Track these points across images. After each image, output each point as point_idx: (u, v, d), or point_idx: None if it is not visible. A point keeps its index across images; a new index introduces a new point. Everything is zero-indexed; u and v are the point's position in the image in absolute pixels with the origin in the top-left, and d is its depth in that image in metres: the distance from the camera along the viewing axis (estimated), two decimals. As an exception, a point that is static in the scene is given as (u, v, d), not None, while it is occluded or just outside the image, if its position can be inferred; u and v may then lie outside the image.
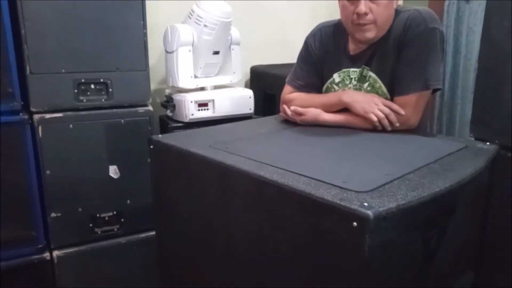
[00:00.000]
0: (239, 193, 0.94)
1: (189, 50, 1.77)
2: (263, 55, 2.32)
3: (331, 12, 2.44)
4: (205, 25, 1.75)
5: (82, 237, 1.62)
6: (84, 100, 1.57)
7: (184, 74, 1.79)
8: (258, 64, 2.26)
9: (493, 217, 1.10)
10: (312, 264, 0.80)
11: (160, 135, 1.22)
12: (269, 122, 1.44)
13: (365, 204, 0.72)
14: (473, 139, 1.44)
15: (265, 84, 2.13)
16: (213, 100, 1.82)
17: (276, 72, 2.08)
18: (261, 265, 0.91)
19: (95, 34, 1.54)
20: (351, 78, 1.33)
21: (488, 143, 1.12)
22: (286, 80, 1.46)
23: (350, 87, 1.34)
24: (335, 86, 1.37)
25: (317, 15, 2.43)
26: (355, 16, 1.21)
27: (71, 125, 1.54)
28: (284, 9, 2.35)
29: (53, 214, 1.56)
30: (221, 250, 1.02)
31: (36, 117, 1.50)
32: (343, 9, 1.26)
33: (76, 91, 1.54)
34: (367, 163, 0.97)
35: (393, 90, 1.27)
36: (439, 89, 1.27)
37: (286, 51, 2.38)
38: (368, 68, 1.30)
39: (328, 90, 1.39)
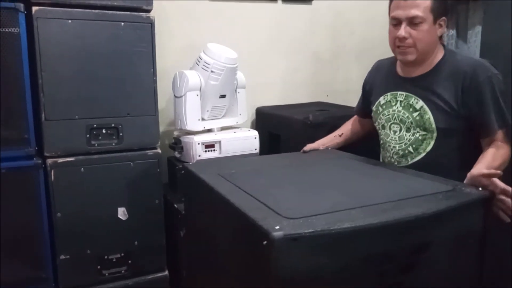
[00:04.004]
0: (220, 211, 1.11)
1: (197, 95, 1.85)
2: (268, 96, 2.38)
3: (333, 54, 2.54)
4: (212, 71, 1.83)
5: (90, 279, 1.64)
6: (96, 145, 1.63)
7: (192, 118, 1.86)
8: (263, 105, 2.32)
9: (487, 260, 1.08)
10: (243, 266, 0.97)
11: (191, 163, 1.38)
12: (287, 157, 1.59)
13: (277, 227, 0.81)
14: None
15: (270, 124, 2.18)
16: (219, 141, 1.87)
17: (280, 113, 2.13)
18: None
19: (107, 82, 1.62)
20: (397, 101, 1.45)
21: (480, 188, 1.09)
22: None
23: (394, 110, 1.44)
24: (379, 108, 1.50)
25: (320, 58, 2.52)
26: (397, 39, 1.35)
27: (82, 169, 1.60)
28: (287, 52, 2.43)
29: (62, 256, 1.59)
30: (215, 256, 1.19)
31: (49, 161, 1.55)
32: (389, 33, 1.40)
33: (88, 136, 1.61)
34: (324, 196, 1.05)
35: (479, 132, 1.34)
36: None
37: (291, 92, 2.45)
38: (417, 98, 1.39)
39: (375, 112, 1.53)
